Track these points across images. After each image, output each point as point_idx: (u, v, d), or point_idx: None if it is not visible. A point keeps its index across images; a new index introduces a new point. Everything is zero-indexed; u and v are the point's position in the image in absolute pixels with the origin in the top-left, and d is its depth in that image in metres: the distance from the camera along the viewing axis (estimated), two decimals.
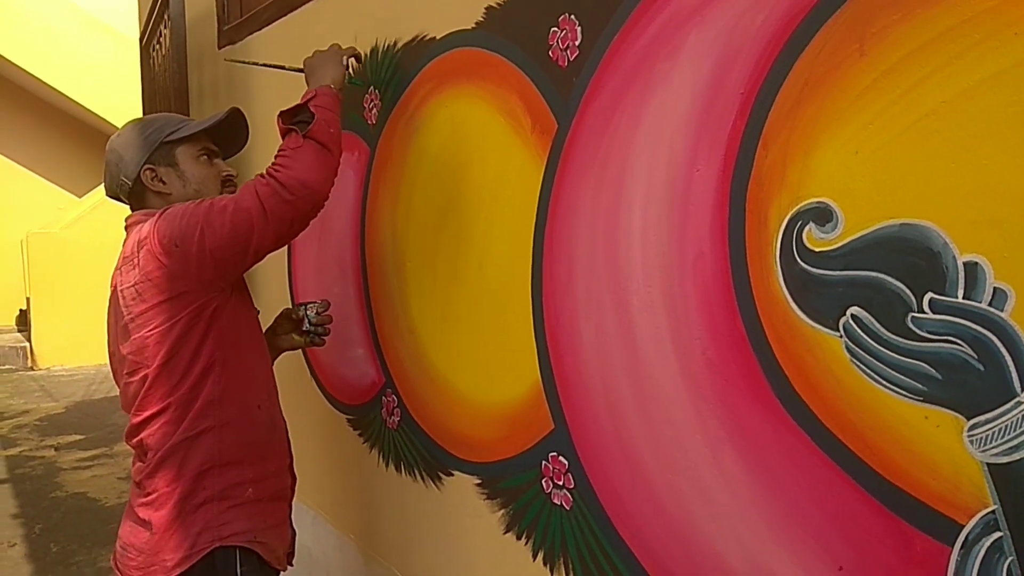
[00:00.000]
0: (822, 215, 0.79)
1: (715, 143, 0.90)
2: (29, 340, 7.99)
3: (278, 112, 1.32)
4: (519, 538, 1.25)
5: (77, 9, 8.43)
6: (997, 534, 0.68)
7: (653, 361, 1.00)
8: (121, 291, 1.35)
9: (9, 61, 8.19)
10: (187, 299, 1.30)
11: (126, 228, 1.42)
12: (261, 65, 1.58)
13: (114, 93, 8.04)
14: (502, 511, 1.29)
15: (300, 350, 1.97)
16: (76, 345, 7.73)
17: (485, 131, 1.29)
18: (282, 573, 1.46)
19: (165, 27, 2.25)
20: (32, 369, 7.84)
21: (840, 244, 0.78)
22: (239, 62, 1.69)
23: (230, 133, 1.52)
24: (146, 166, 1.40)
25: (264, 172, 1.27)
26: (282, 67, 1.52)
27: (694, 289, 0.94)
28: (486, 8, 1.25)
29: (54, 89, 8.41)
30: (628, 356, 1.04)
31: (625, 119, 1.02)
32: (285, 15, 1.94)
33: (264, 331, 1.56)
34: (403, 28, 1.47)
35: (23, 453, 4.86)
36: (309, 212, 1.29)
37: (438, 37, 1.38)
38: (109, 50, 8.09)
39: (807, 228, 0.81)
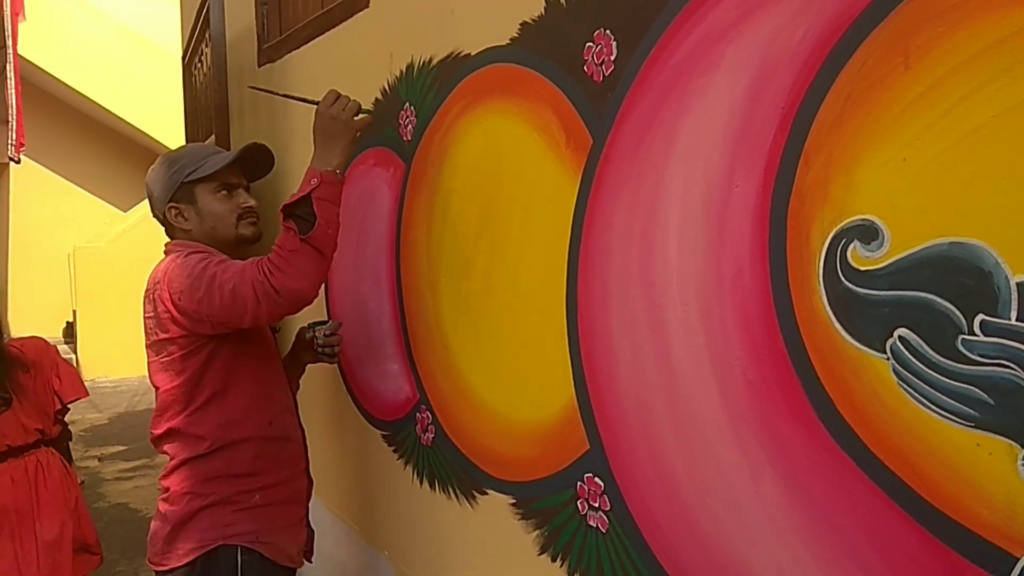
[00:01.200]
0: (867, 233, 0.77)
1: (754, 159, 0.88)
2: (75, 352, 8.20)
3: (282, 205, 1.39)
4: (554, 560, 1.23)
5: (124, 29, 8.69)
6: None
7: (690, 381, 0.98)
8: (144, 317, 1.57)
9: (58, 80, 8.46)
10: (189, 340, 1.49)
11: (165, 253, 1.62)
12: (280, 95, 1.65)
13: (159, 110, 8.26)
14: (536, 532, 1.27)
15: (336, 365, 1.99)
16: (120, 357, 7.91)
17: (520, 147, 1.28)
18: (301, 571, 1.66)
19: (206, 45, 2.30)
20: None
21: (886, 263, 0.75)
22: (260, 90, 1.76)
23: (255, 160, 1.65)
24: (170, 204, 1.59)
25: (263, 264, 1.38)
26: (301, 99, 1.56)
27: (733, 308, 0.92)
28: (521, 24, 1.25)
29: (101, 107, 8.67)
30: (664, 376, 1.02)
31: (661, 134, 1.01)
32: (323, 33, 1.97)
33: (291, 344, 1.80)
34: (439, 45, 1.48)
35: None
36: (298, 309, 1.44)
37: (473, 53, 1.38)
38: (154, 68, 8.31)
39: (852, 246, 0.78)
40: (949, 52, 0.70)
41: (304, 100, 1.54)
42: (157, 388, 1.56)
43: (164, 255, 1.59)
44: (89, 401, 6.94)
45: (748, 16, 0.88)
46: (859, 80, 0.77)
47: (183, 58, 3.04)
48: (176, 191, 1.57)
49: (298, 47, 2.10)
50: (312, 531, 1.71)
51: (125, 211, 9.11)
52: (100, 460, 5.18)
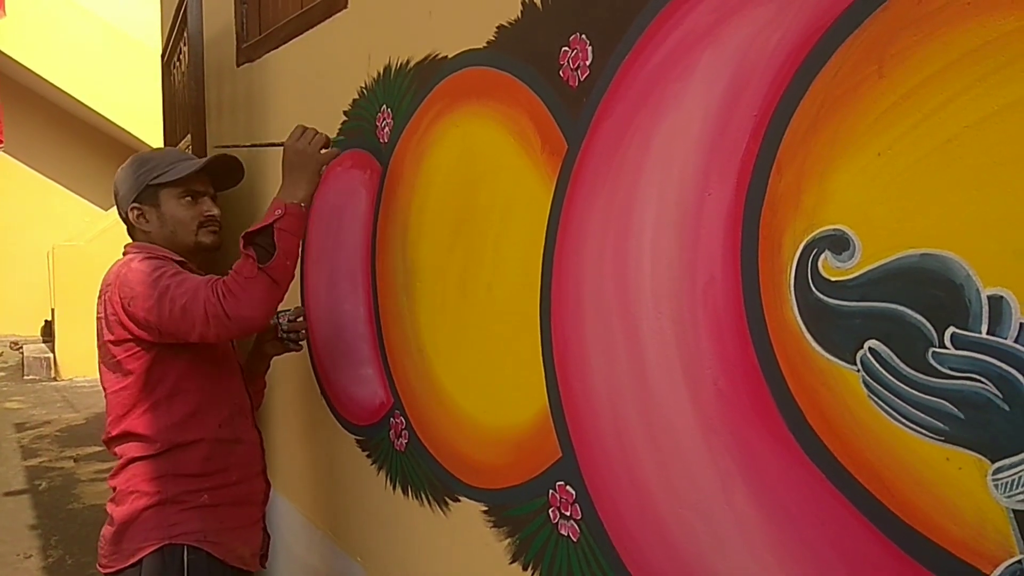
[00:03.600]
0: (838, 243, 0.76)
1: (728, 166, 0.87)
2: (53, 351, 8.09)
3: (242, 233, 1.43)
4: (525, 568, 1.21)
5: (106, 24, 8.59)
6: None
7: (663, 390, 0.97)
8: (97, 318, 1.57)
9: (38, 75, 8.36)
10: (135, 343, 1.51)
11: (123, 254, 1.63)
12: (247, 147, 1.78)
13: (141, 107, 8.18)
14: (508, 540, 1.26)
15: (312, 370, 1.96)
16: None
17: (495, 151, 1.26)
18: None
19: (184, 44, 2.27)
20: (55, 380, 7.93)
21: (857, 274, 0.74)
22: (230, 147, 1.78)
23: (225, 170, 1.68)
24: (133, 205, 1.61)
25: (217, 285, 1.41)
26: (267, 145, 1.67)
27: (705, 316, 0.91)
28: (497, 27, 1.23)
29: (82, 103, 8.57)
30: (637, 384, 1.00)
31: (636, 141, 0.99)
32: (302, 33, 1.95)
33: (254, 338, 1.82)
34: (416, 47, 1.46)
35: (43, 464, 4.90)
36: (245, 336, 1.47)
37: (450, 56, 1.36)
38: (137, 65, 8.23)
39: (823, 256, 0.77)
40: (924, 61, 0.69)
41: (270, 144, 1.63)
42: (106, 390, 1.58)
43: (123, 255, 1.62)
44: (65, 400, 6.87)
45: (724, 21, 0.87)
46: (833, 88, 0.76)
47: (162, 56, 3.01)
48: (141, 192, 1.61)
49: (277, 47, 2.08)
50: (268, 536, 1.74)
51: (105, 209, 9.01)
52: (76, 461, 5.10)
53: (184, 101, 2.27)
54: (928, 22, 0.69)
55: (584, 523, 1.10)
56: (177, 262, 1.60)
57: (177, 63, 2.55)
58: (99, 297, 1.56)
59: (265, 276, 1.39)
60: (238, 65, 2.35)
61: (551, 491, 1.16)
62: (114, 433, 1.56)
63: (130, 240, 1.69)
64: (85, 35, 8.47)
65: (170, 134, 2.90)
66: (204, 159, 1.63)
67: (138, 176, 1.60)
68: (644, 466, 1.00)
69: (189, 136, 2.13)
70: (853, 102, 0.74)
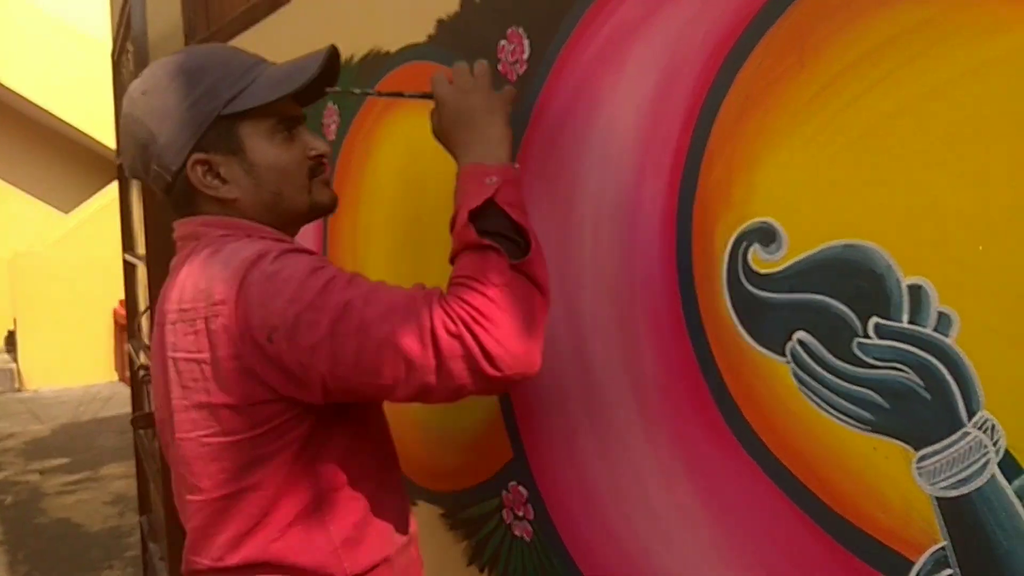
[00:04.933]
0: (767, 235, 0.76)
1: (661, 159, 0.87)
2: (16, 361, 7.93)
3: (464, 208, 0.85)
4: (482, 570, 1.21)
5: (59, 23, 8.40)
6: (948, 572, 0.64)
7: (606, 386, 0.96)
8: (173, 357, 0.89)
9: None
10: (272, 410, 0.85)
11: (177, 241, 0.98)
12: (368, 94, 1.12)
13: (98, 107, 8.01)
14: (465, 543, 1.25)
15: None
16: (64, 366, 7.68)
17: (441, 148, 1.25)
18: None
19: (131, 44, 2.22)
20: (19, 391, 7.77)
21: (785, 266, 0.74)
22: (341, 92, 1.10)
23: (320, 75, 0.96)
24: (195, 155, 0.91)
25: (453, 307, 0.78)
26: (400, 95, 1.09)
27: (644, 311, 0.91)
28: (437, 21, 1.22)
29: (37, 106, 8.38)
30: (582, 381, 1.00)
31: (574, 135, 0.99)
32: (248, 29, 1.91)
33: None
34: (359, 42, 1.44)
35: (7, 478, 4.80)
36: (503, 391, 0.83)
37: (392, 51, 1.34)
38: (93, 64, 8.06)
39: (752, 249, 0.77)
40: (843, 50, 0.69)
41: (407, 96, 1.06)
42: (197, 486, 0.90)
43: (183, 243, 0.96)
44: (30, 411, 6.74)
45: (653, 14, 0.87)
46: (757, 80, 0.76)
47: (112, 55, 2.95)
48: (209, 130, 0.91)
49: (224, 43, 2.04)
50: None
51: (66, 213, 8.83)
52: (41, 474, 5.01)
53: None
54: (845, 11, 0.69)
55: (536, 523, 1.09)
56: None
57: (126, 63, 2.50)
58: (173, 321, 0.89)
59: (525, 280, 0.83)
60: None
61: (504, 492, 1.15)
62: (232, 562, 0.89)
63: (178, 218, 0.99)
64: (37, 34, 8.27)
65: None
66: (314, 58, 0.94)
67: (197, 100, 0.90)
68: (590, 463, 1.00)
69: None
70: (776, 94, 0.74)
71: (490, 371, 0.78)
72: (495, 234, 0.84)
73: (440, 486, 1.32)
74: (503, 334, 0.78)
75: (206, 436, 0.87)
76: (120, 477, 4.81)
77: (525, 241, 0.85)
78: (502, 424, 1.15)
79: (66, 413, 6.65)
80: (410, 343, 0.77)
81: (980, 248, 0.61)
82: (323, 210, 1.02)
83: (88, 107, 8.19)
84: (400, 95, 1.08)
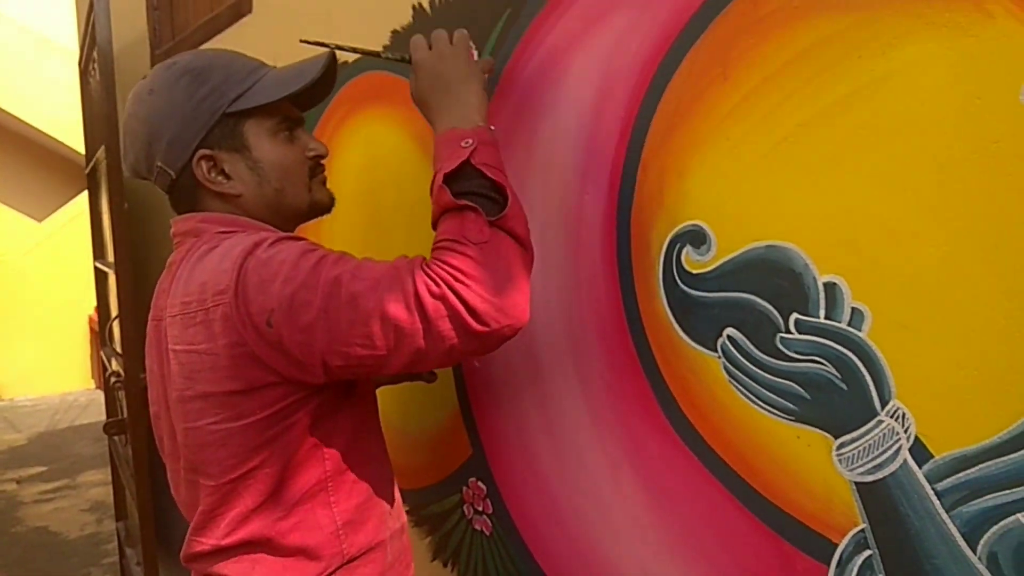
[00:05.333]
0: (697, 237, 0.80)
1: (601, 167, 0.90)
2: None
3: (440, 172, 0.85)
4: (445, 565, 1.24)
5: (27, 30, 8.30)
6: (868, 552, 0.68)
7: (557, 384, 1.00)
8: (177, 351, 0.90)
9: None
10: (277, 393, 0.87)
11: (174, 238, 0.98)
12: (346, 49, 1.02)
13: (69, 114, 7.93)
14: (429, 538, 1.28)
15: None
16: (40, 374, 7.61)
17: (398, 154, 1.28)
18: None
19: (96, 53, 2.22)
20: None
21: (714, 266, 0.78)
22: (316, 44, 1.02)
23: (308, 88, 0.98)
24: (201, 151, 0.93)
25: (436, 271, 0.80)
26: (377, 54, 1.06)
27: (590, 312, 0.94)
28: (392, 32, 1.25)
29: (7, 112, 8.28)
30: (534, 379, 1.03)
31: (521, 143, 1.02)
32: (211, 38, 1.93)
33: None
34: (317, 52, 1.46)
35: None
36: (497, 346, 0.83)
37: (350, 61, 1.37)
38: (63, 70, 7.98)
39: (684, 251, 0.81)
40: (762, 62, 0.73)
41: (383, 55, 1.06)
42: (205, 471, 0.91)
43: (181, 240, 0.97)
44: (6, 421, 6.67)
45: (591, 27, 0.90)
46: (686, 90, 0.80)
47: (79, 64, 2.94)
48: (215, 127, 0.93)
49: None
50: None
51: (40, 221, 8.73)
52: (18, 483, 4.98)
53: (99, 111, 2.22)
54: (763, 25, 0.72)
55: (495, 517, 1.13)
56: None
57: (92, 72, 2.50)
58: (163, 313, 0.93)
59: (506, 236, 0.83)
60: None
61: (464, 487, 1.18)
62: (209, 546, 0.92)
63: (176, 214, 1.00)
64: (6, 40, 8.18)
65: (89, 144, 2.84)
66: (315, 61, 0.98)
67: (203, 99, 0.92)
68: (544, 459, 1.03)
69: (103, 147, 2.09)
70: (703, 103, 0.78)
71: (477, 327, 0.78)
72: (473, 194, 0.84)
73: (404, 484, 1.34)
74: (485, 289, 0.79)
75: (213, 424, 0.88)
76: (97, 484, 4.79)
77: (504, 198, 0.85)
78: (461, 422, 1.18)
79: (43, 421, 6.60)
80: (397, 310, 0.78)
81: (887, 247, 0.65)
82: (322, 208, 1.04)
83: (60, 114, 8.11)
84: (378, 55, 1.07)
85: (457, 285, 0.78)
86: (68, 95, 7.96)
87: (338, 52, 1.01)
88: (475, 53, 0.98)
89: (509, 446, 1.09)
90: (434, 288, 0.78)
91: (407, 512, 1.32)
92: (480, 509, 1.15)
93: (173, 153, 0.93)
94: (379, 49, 1.10)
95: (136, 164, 0.98)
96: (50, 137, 8.49)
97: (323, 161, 1.03)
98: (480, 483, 1.15)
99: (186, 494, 0.97)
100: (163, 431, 0.98)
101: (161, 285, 0.97)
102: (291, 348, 0.82)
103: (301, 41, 1.04)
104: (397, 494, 1.06)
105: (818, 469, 0.71)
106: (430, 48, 0.95)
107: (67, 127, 8.16)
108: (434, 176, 0.87)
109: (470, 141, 0.86)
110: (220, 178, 0.95)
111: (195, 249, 0.92)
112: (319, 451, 0.91)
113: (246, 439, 0.88)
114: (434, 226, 0.87)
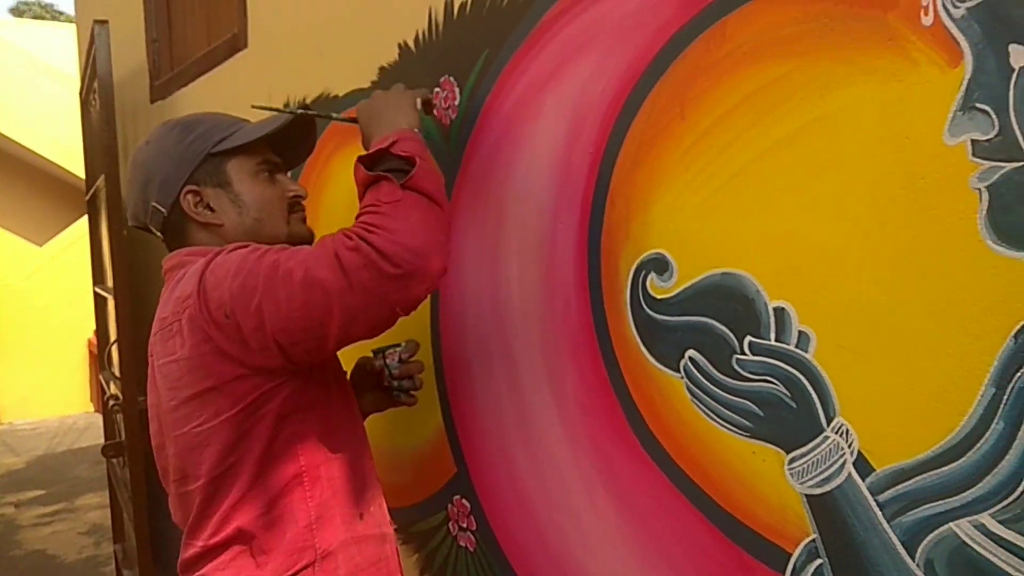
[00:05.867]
0: (661, 265, 0.85)
1: (573, 198, 0.96)
2: None
3: (356, 158, 0.96)
4: None
5: (30, 56, 8.43)
6: (819, 561, 0.73)
7: (535, 405, 1.05)
8: (159, 366, 0.98)
9: None
10: (246, 385, 0.93)
11: (164, 274, 1.06)
12: (295, 112, 1.11)
13: (71, 140, 8.02)
14: (416, 555, 1.32)
15: None
16: (39, 398, 7.63)
17: None
18: None
19: (96, 83, 2.29)
20: None
21: (676, 292, 0.84)
22: (267, 108, 1.15)
23: (288, 138, 1.12)
24: (188, 187, 1.03)
25: (348, 232, 0.88)
26: (328, 116, 1.19)
27: (565, 335, 0.99)
28: (379, 68, 1.31)
29: (10, 139, 8.38)
30: (514, 400, 1.08)
31: (499, 176, 1.08)
32: (208, 71, 1.99)
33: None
34: (310, 86, 1.52)
35: None
36: (417, 293, 0.88)
37: (340, 95, 1.43)
38: (65, 97, 8.09)
39: (650, 277, 0.86)
40: (715, 104, 0.79)
41: (334, 117, 1.18)
42: (195, 475, 0.97)
43: (168, 274, 1.04)
44: (5, 445, 6.68)
45: (561, 69, 0.96)
46: (647, 129, 0.85)
47: (80, 94, 3.01)
48: (200, 165, 1.03)
49: (186, 84, 2.12)
50: None
51: (40, 245, 8.80)
52: (17, 507, 4.99)
53: (99, 140, 2.29)
54: (716, 69, 0.78)
55: (479, 534, 1.17)
56: None
57: (93, 102, 2.57)
58: (158, 335, 1.00)
59: (414, 193, 0.90)
60: (152, 102, 2.38)
61: (449, 505, 1.23)
62: (200, 547, 0.98)
63: (169, 253, 1.08)
64: (8, 67, 8.29)
65: (89, 171, 2.90)
66: (284, 115, 1.09)
67: (189, 143, 1.04)
68: (525, 476, 1.08)
69: (103, 177, 2.15)
70: (663, 141, 0.83)
71: (390, 268, 0.85)
72: (390, 171, 0.92)
73: (393, 502, 1.38)
74: (395, 235, 0.86)
75: (197, 426, 0.95)
76: (96, 507, 4.80)
77: (410, 167, 0.92)
78: (446, 441, 1.23)
79: (42, 445, 6.61)
80: (320, 271, 0.86)
81: (829, 274, 0.70)
82: (301, 241, 1.09)
83: (62, 140, 8.22)
84: (331, 117, 1.19)
85: (368, 235, 0.86)
86: (70, 121, 8.07)
87: (324, 90, 1.07)
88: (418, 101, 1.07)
89: (491, 464, 1.13)
90: (348, 243, 0.86)
91: (395, 530, 1.37)
92: (464, 526, 1.20)
93: (165, 191, 1.04)
94: (333, 112, 1.22)
95: (136, 210, 1.08)
96: (51, 162, 8.58)
97: (302, 202, 1.11)
98: (464, 500, 1.20)
99: (183, 512, 1.02)
100: (161, 462, 1.05)
101: (153, 324, 1.04)
102: (247, 335, 0.89)
103: (253, 106, 1.19)
104: (381, 502, 1.10)
105: (772, 482, 0.76)
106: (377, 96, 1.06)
107: (68, 152, 8.26)
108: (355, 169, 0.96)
109: (391, 138, 0.95)
110: (205, 211, 1.04)
111: (178, 279, 1.00)
112: (293, 446, 0.97)
113: (224, 436, 0.94)
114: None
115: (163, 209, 1.04)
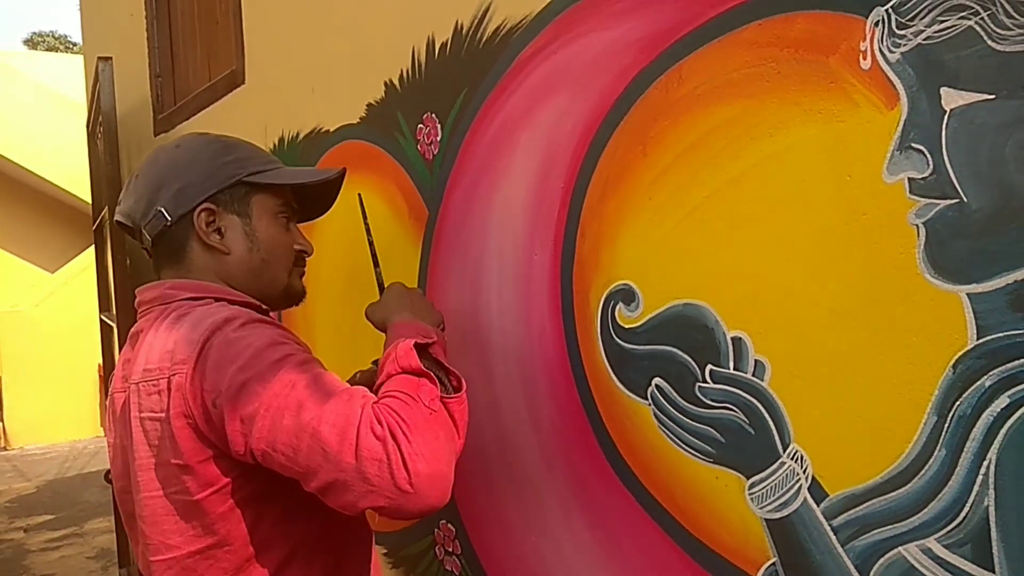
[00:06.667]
0: (628, 295, 0.88)
1: (546, 230, 0.99)
2: (1, 420, 7.93)
3: (409, 339, 0.89)
4: None
5: (43, 87, 8.60)
6: None
7: (515, 431, 1.08)
8: (139, 417, 0.90)
9: None
10: (220, 467, 0.87)
11: (140, 307, 1.00)
12: (370, 241, 1.17)
13: (83, 169, 8.16)
14: None
15: None
16: (49, 423, 7.70)
17: (373, 217, 1.37)
18: None
19: (102, 117, 2.36)
20: (5, 449, 7.76)
21: (642, 321, 0.87)
22: (363, 213, 1.19)
23: (314, 194, 1.10)
24: (206, 204, 0.97)
25: (378, 412, 0.79)
26: (374, 256, 1.17)
27: (541, 363, 1.02)
28: (367, 105, 1.35)
29: (22, 167, 8.53)
30: (495, 426, 1.11)
31: (479, 209, 1.11)
32: (208, 106, 2.05)
33: None
34: (303, 121, 1.57)
35: None
36: (409, 511, 0.79)
37: (331, 130, 1.48)
38: (75, 125, 8.24)
39: (618, 307, 0.90)
40: (674, 142, 0.82)
41: (378, 272, 1.16)
42: (166, 544, 0.90)
43: (147, 308, 0.98)
44: (16, 469, 6.73)
45: (535, 106, 1.00)
46: (613, 165, 0.89)
47: (87, 126, 3.09)
48: (227, 188, 0.98)
49: (188, 118, 2.18)
50: None
51: (52, 272, 8.91)
52: (26, 531, 5.02)
53: (104, 173, 2.35)
54: (675, 109, 0.82)
55: (463, 558, 1.19)
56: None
57: (99, 134, 2.64)
58: (127, 381, 0.93)
59: (447, 416, 0.85)
60: (155, 135, 2.44)
61: (436, 529, 1.25)
62: None
63: (156, 278, 1.01)
64: (23, 99, 8.47)
65: (96, 202, 2.97)
66: (329, 172, 1.08)
67: (227, 162, 0.99)
68: (506, 501, 1.10)
69: (106, 209, 2.21)
70: (628, 177, 0.87)
71: (403, 482, 0.76)
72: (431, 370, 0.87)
73: (382, 527, 1.41)
74: (424, 451, 0.77)
75: (175, 493, 0.88)
76: (104, 532, 4.82)
77: (453, 386, 0.89)
78: None
79: (52, 469, 6.66)
80: (334, 437, 0.78)
81: (781, 305, 0.73)
82: (295, 296, 1.07)
83: (73, 168, 8.34)
84: (375, 260, 1.17)
85: (400, 435, 0.77)
86: (81, 149, 8.21)
87: (316, 125, 1.11)
88: None
89: (476, 491, 1.16)
90: (377, 428, 0.78)
91: (384, 554, 1.39)
92: (450, 550, 1.22)
93: (179, 199, 0.96)
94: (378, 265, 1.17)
95: (134, 208, 1.00)
96: (63, 190, 8.73)
97: (307, 258, 1.09)
98: (449, 524, 1.22)
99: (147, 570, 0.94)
100: (129, 506, 0.97)
101: (124, 355, 0.98)
102: (229, 433, 0.83)
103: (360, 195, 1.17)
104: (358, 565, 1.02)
105: (735, 507, 0.78)
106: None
107: (80, 180, 8.37)
108: (395, 341, 0.90)
109: (433, 337, 0.93)
110: (215, 234, 0.98)
111: (163, 317, 0.93)
112: (280, 529, 0.91)
113: (201, 513, 0.88)
114: (378, 376, 0.89)
115: (168, 217, 0.96)
